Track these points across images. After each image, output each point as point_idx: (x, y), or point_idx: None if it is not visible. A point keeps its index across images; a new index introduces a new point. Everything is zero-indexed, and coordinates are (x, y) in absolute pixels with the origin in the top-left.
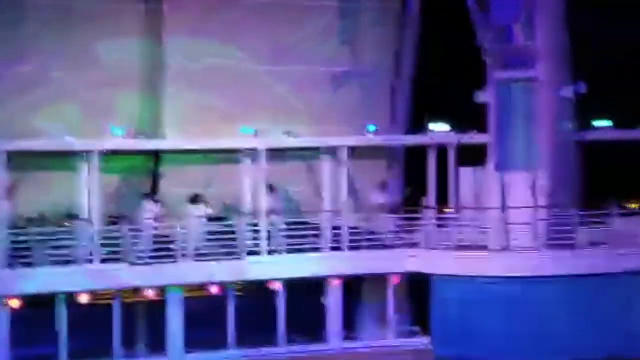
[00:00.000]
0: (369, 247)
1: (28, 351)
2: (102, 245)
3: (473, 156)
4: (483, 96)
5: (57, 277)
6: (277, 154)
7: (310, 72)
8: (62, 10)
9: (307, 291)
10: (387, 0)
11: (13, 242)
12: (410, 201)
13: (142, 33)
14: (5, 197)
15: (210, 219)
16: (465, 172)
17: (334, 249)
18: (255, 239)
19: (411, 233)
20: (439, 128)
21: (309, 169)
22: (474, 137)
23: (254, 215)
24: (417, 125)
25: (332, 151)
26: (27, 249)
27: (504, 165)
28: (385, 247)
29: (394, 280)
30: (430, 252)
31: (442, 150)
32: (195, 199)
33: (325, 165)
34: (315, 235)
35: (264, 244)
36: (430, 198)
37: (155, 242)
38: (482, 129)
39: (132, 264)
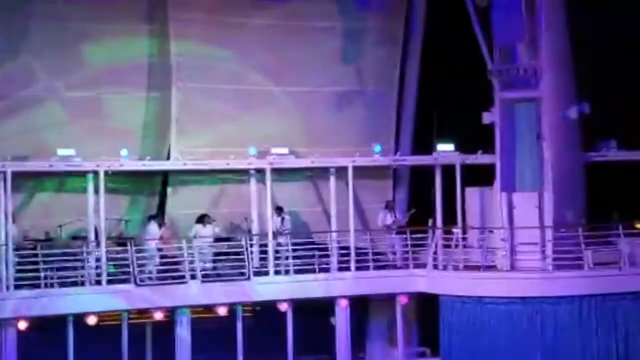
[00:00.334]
0: (377, 268)
1: None
2: (110, 266)
3: (480, 176)
4: (489, 117)
5: (65, 299)
6: (283, 174)
7: (316, 92)
8: (70, 36)
9: (315, 312)
10: (391, 20)
11: (20, 263)
12: (414, 222)
13: (148, 53)
14: (12, 218)
15: (218, 239)
16: (472, 193)
17: (342, 269)
18: (263, 259)
19: (419, 253)
20: (444, 148)
21: (315, 189)
22: (479, 158)
23: (261, 235)
24: (422, 145)
25: (338, 171)
26: (35, 270)
27: (511, 185)
28: (393, 267)
29: (402, 301)
30: (438, 272)
31: (449, 171)
32: (202, 220)
33: (332, 186)
34: (323, 256)
35: (271, 265)
36: (437, 218)
37: (162, 264)
38: (490, 149)
39: (139, 285)
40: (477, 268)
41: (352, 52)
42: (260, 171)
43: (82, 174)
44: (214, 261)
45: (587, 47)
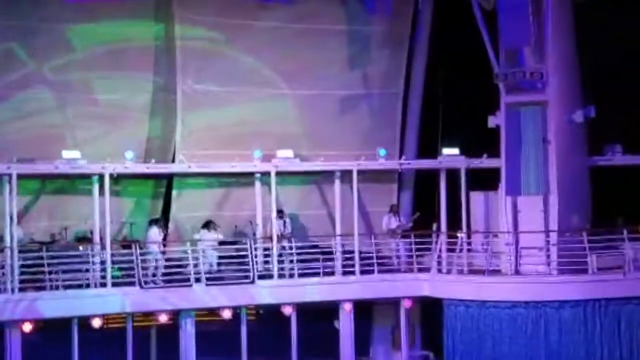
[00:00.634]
0: (381, 272)
1: None
2: (115, 269)
3: (485, 180)
4: (495, 120)
5: (70, 301)
6: (288, 177)
7: (321, 95)
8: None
9: (319, 315)
10: (397, 23)
11: (24, 265)
12: (419, 226)
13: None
14: (17, 220)
15: (222, 243)
16: (477, 197)
17: (346, 273)
18: (267, 262)
19: (423, 257)
20: (449, 152)
21: (320, 192)
22: (484, 162)
23: (265, 239)
24: (427, 149)
25: (342, 175)
26: (40, 272)
27: (516, 189)
28: (397, 271)
29: (406, 305)
30: (442, 276)
31: (454, 175)
32: (208, 226)
33: (337, 189)
34: (327, 260)
35: (275, 268)
36: (442, 222)
37: (167, 267)
38: (495, 153)
39: (144, 288)
40: (481, 272)
41: (358, 55)
42: (265, 174)
43: (87, 177)
44: (219, 264)
45: (593, 51)
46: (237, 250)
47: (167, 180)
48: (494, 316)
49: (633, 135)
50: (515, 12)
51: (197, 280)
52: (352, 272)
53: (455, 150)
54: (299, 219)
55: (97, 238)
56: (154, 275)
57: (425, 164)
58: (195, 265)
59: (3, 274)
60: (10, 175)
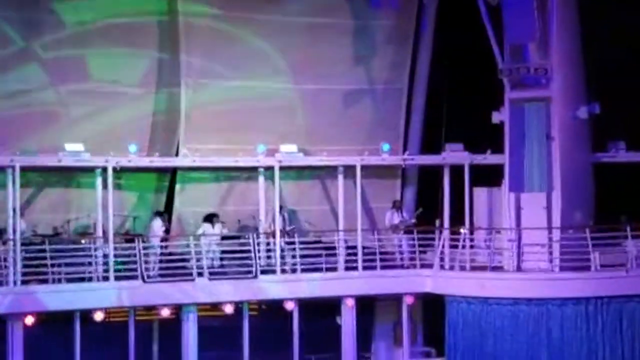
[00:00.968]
0: (383, 267)
1: None
2: (117, 262)
3: (488, 176)
4: (499, 116)
5: (72, 294)
6: (291, 172)
7: (325, 90)
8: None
9: (321, 311)
10: (402, 18)
11: (27, 258)
12: (422, 221)
13: (158, 51)
14: (20, 213)
15: (225, 237)
16: (480, 193)
17: (348, 268)
18: (269, 257)
19: (425, 253)
20: (453, 148)
21: (323, 187)
22: (487, 158)
23: (268, 234)
24: (431, 144)
25: (346, 170)
26: (42, 265)
27: (519, 185)
28: (400, 267)
29: (408, 301)
30: (444, 272)
31: (457, 171)
32: (211, 219)
33: (340, 184)
34: (330, 255)
35: (278, 263)
36: (445, 218)
37: (169, 261)
38: (499, 149)
39: (147, 282)
40: (483, 269)
41: (362, 50)
42: (268, 169)
43: (91, 170)
44: (221, 259)
45: (597, 47)
46: (240, 245)
47: (171, 174)
48: (496, 313)
49: (637, 132)
50: (520, 8)
51: (200, 274)
52: (355, 268)
53: (459, 146)
54: (294, 214)
55: (99, 231)
56: (153, 269)
57: (429, 159)
58: (198, 260)
59: (6, 266)
60: (13, 168)
